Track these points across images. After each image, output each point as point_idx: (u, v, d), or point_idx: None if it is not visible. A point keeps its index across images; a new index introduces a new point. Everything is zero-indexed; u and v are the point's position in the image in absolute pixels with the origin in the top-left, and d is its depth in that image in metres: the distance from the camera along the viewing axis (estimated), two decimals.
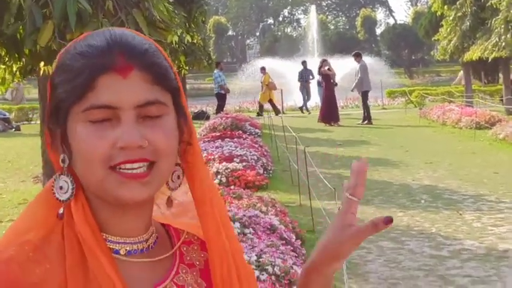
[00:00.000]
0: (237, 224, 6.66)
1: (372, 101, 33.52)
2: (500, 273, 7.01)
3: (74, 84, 1.17)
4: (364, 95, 24.41)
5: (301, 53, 61.97)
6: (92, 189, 1.22)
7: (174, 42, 6.69)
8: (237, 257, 1.33)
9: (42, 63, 5.96)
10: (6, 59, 6.16)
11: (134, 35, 1.23)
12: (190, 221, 1.36)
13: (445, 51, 30.13)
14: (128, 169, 1.17)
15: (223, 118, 18.38)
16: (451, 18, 28.84)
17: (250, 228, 6.73)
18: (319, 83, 26.11)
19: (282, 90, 33.32)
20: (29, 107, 32.88)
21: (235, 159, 11.93)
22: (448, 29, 29.34)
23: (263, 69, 30.05)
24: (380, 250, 7.88)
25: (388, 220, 1.27)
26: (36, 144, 9.46)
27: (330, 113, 24.07)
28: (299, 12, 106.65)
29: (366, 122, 23.98)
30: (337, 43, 68.11)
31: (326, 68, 24.44)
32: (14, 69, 6.94)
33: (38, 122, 13.49)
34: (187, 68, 22.32)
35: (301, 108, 31.21)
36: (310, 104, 33.45)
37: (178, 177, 1.32)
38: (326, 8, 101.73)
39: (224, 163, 11.47)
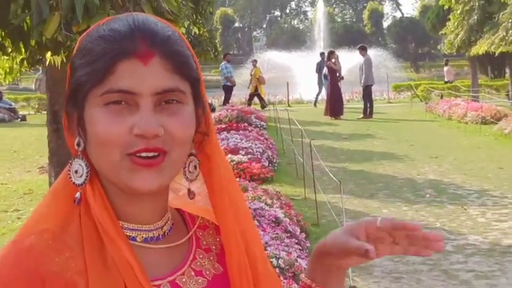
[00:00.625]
0: None
1: (378, 94, 33.53)
2: (504, 268, 7.02)
3: (94, 68, 1.17)
4: (367, 89, 24.41)
5: (308, 46, 61.96)
6: (105, 174, 1.21)
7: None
8: (256, 252, 1.33)
9: (49, 53, 5.97)
10: (10, 49, 6.15)
11: (157, 21, 1.22)
12: (204, 206, 1.36)
13: (452, 45, 30.11)
14: (143, 157, 1.17)
15: (229, 110, 18.36)
16: (458, 12, 28.82)
17: (255, 221, 6.75)
18: (325, 76, 26.06)
19: (288, 83, 33.32)
20: (34, 97, 32.91)
21: (240, 151, 11.94)
22: (456, 23, 29.31)
23: (255, 61, 29.53)
24: None
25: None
26: (42, 135, 9.47)
27: (335, 106, 24.08)
28: (306, 4, 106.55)
29: (366, 116, 23.96)
30: (344, 36, 67.90)
31: (332, 61, 24.41)
32: (18, 60, 6.95)
33: (45, 112, 13.49)
34: None
35: (315, 101, 30.74)
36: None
37: (195, 167, 1.31)
38: (333, 1, 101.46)
39: (229, 155, 11.47)
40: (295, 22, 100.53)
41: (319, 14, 65.31)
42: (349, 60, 28.72)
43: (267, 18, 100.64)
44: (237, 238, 1.30)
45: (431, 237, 1.25)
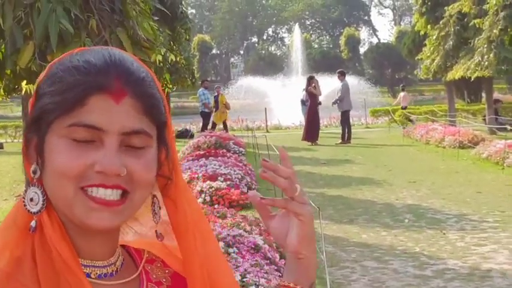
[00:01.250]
0: (221, 244, 6.63)
1: (356, 120, 33.70)
2: None
3: (63, 97, 1.14)
4: (345, 115, 24.55)
5: (285, 72, 62.19)
6: (60, 207, 1.18)
7: (158, 61, 6.68)
8: None
9: (24, 82, 5.93)
10: None
11: (133, 60, 1.21)
12: (145, 239, 1.35)
13: (428, 71, 30.32)
14: (100, 194, 1.15)
15: (207, 136, 18.35)
16: (434, 37, 29.07)
17: (235, 248, 6.71)
18: (303, 102, 26.12)
19: (266, 108, 33.41)
20: (11, 125, 32.72)
21: (219, 178, 11.89)
22: (431, 48, 29.55)
23: (219, 88, 28.92)
24: (364, 270, 7.87)
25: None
26: (19, 163, 9.40)
27: (313, 131, 24.14)
28: (283, 31, 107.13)
29: (344, 141, 24.04)
30: (321, 62, 68.30)
31: (312, 85, 24.50)
32: None
33: (21, 140, 13.36)
34: (171, 86, 22.30)
35: None
36: (294, 122, 33.52)
37: (160, 208, 1.30)
38: (310, 27, 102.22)
39: (208, 182, 11.43)
40: (272, 48, 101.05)
41: (296, 40, 65.60)
42: (326, 85, 28.83)
43: (244, 44, 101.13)
44: (204, 282, 1.29)
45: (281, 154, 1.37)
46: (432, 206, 11.58)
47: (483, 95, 34.98)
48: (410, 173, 15.68)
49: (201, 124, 28.09)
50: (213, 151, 15.93)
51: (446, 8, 28.06)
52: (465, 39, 27.20)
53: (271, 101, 39.24)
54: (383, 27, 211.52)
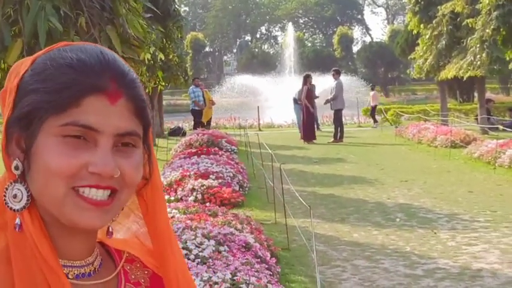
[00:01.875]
0: (212, 242, 6.62)
1: (348, 119, 33.70)
2: None
3: (58, 96, 1.12)
4: (338, 113, 24.54)
5: (278, 70, 62.22)
6: (46, 206, 1.16)
7: (147, 60, 6.66)
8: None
9: None
10: None
11: (121, 59, 1.21)
12: (126, 238, 1.35)
13: (420, 70, 30.39)
14: (91, 195, 1.14)
15: (200, 134, 18.34)
16: (427, 37, 29.13)
17: (225, 246, 6.70)
18: (295, 100, 26.06)
19: (258, 107, 33.39)
20: None
21: (211, 176, 11.88)
22: (424, 48, 29.62)
23: (201, 85, 28.04)
24: (355, 269, 7.86)
25: None
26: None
27: (310, 131, 24.12)
28: (276, 29, 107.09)
29: (337, 139, 24.04)
30: (314, 60, 68.31)
31: (312, 83, 24.52)
32: None
33: None
34: (163, 84, 22.29)
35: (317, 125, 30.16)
36: (287, 120, 33.52)
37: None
38: (303, 26, 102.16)
39: (200, 180, 11.42)
40: (265, 47, 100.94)
41: (289, 39, 65.54)
42: (320, 84, 28.81)
43: (238, 42, 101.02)
44: (179, 283, 1.30)
45: None
46: (424, 206, 11.59)
47: (475, 94, 35.06)
48: (402, 172, 15.69)
49: (193, 122, 28.03)
50: (205, 149, 15.92)
51: (439, 7, 28.15)
52: (458, 39, 27.28)
53: (263, 99, 39.26)
54: (376, 26, 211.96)
